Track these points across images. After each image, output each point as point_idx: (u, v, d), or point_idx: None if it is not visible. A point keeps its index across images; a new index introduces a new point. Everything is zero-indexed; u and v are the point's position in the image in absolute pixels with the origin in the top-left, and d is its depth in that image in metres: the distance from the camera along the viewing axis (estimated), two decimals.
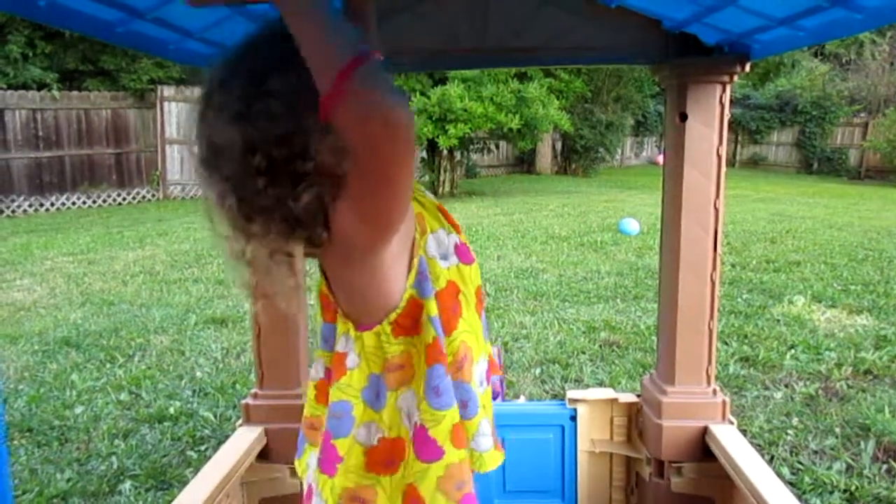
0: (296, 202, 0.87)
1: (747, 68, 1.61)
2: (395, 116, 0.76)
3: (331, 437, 1.09)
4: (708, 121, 1.64)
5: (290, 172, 0.86)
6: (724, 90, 1.64)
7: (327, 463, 1.09)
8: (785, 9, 1.26)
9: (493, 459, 1.17)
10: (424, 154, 12.43)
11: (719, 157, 1.67)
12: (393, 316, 1.04)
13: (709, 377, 1.75)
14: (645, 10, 1.58)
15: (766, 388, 3.44)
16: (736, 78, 1.63)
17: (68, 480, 2.66)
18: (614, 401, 1.96)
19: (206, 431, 3.07)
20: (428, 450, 1.06)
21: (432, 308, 1.05)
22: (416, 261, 1.03)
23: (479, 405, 1.13)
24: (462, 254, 1.12)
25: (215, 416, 3.20)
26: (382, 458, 1.09)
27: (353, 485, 1.08)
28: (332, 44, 0.76)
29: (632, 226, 8.07)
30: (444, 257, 1.09)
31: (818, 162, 19.17)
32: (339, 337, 1.08)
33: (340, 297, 1.06)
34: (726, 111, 1.65)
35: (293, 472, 1.77)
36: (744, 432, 1.90)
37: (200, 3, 1.06)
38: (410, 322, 1.05)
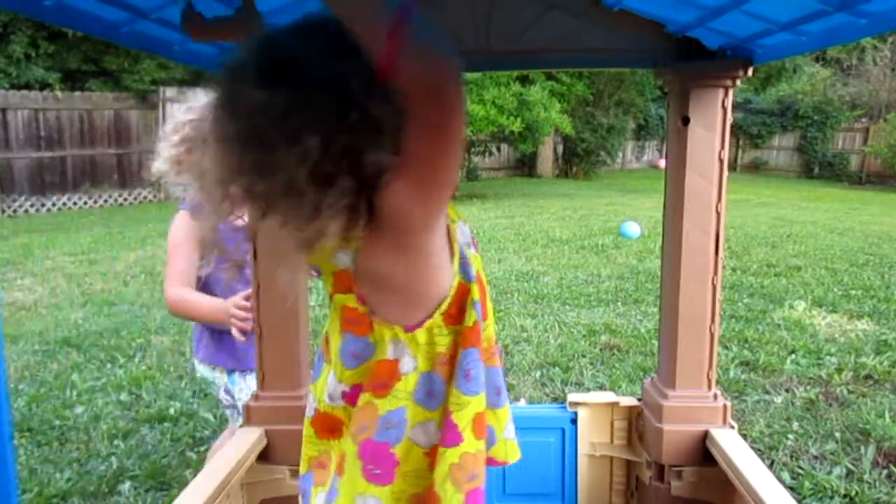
0: (361, 167, 0.83)
1: (750, 73, 1.61)
2: (448, 66, 0.77)
3: (390, 447, 1.04)
4: (710, 125, 1.64)
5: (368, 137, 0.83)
6: (726, 94, 1.64)
7: (386, 475, 1.04)
8: (788, 13, 1.26)
9: (517, 449, 1.18)
10: None
11: (721, 161, 1.66)
12: (444, 306, 1.02)
13: (710, 381, 1.75)
14: (648, 14, 1.58)
15: (767, 393, 3.44)
16: (739, 82, 1.63)
17: (68, 480, 2.66)
18: (615, 404, 1.96)
19: (206, 432, 3.07)
20: (447, 435, 1.04)
21: (476, 292, 1.05)
22: (456, 246, 1.04)
23: (507, 392, 1.16)
24: (475, 244, 1.14)
25: (215, 417, 3.20)
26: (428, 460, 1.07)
27: (419, 489, 1.05)
28: (373, 9, 0.75)
29: (633, 229, 8.07)
30: (468, 246, 1.09)
31: (819, 167, 19.17)
32: (385, 345, 1.03)
33: (384, 300, 1.02)
34: (728, 115, 1.65)
35: (294, 474, 1.76)
36: (744, 437, 1.90)
37: (202, 39, 1.10)
38: (458, 310, 1.04)
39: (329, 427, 1.11)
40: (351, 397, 1.07)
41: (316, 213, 0.84)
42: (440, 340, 1.03)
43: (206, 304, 1.99)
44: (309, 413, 1.14)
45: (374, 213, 0.88)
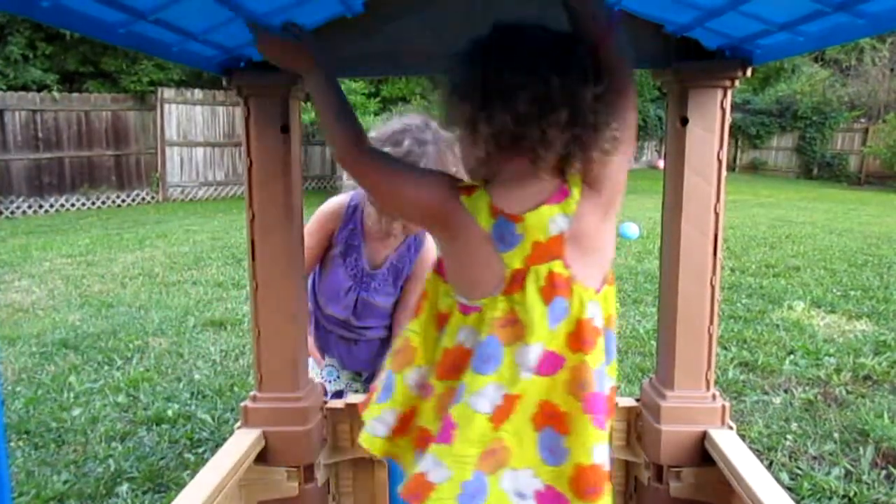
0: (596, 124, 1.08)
1: (748, 73, 1.61)
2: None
3: (605, 395, 1.17)
4: (709, 125, 1.64)
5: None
6: (725, 95, 1.64)
7: (605, 420, 1.16)
8: (786, 14, 1.26)
9: None
10: None
11: (720, 161, 1.66)
12: (609, 273, 1.19)
13: (708, 382, 1.75)
14: (646, 15, 1.58)
15: (766, 394, 3.44)
16: (737, 83, 1.62)
17: (65, 482, 2.65)
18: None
19: (205, 434, 3.06)
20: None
21: None
22: None
23: None
24: None
25: (213, 419, 3.20)
26: (613, 404, 1.22)
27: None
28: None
29: (632, 230, 8.07)
30: None
31: (818, 167, 19.19)
32: (584, 306, 1.13)
33: (585, 264, 1.14)
34: (727, 116, 1.65)
35: (291, 475, 1.76)
36: (743, 437, 1.90)
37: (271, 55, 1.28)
38: (611, 274, 1.21)
39: (507, 409, 1.14)
40: (542, 363, 1.14)
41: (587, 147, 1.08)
42: (611, 301, 1.20)
43: None
44: (485, 409, 1.13)
45: (600, 174, 1.11)
